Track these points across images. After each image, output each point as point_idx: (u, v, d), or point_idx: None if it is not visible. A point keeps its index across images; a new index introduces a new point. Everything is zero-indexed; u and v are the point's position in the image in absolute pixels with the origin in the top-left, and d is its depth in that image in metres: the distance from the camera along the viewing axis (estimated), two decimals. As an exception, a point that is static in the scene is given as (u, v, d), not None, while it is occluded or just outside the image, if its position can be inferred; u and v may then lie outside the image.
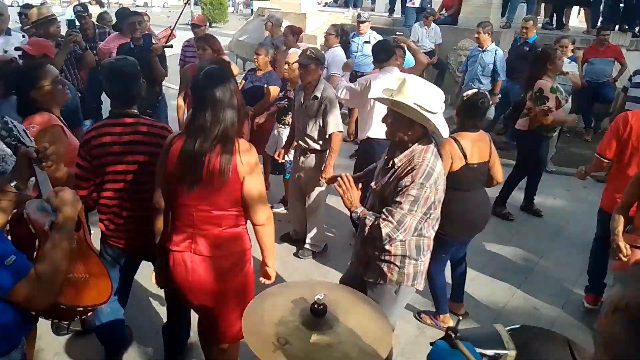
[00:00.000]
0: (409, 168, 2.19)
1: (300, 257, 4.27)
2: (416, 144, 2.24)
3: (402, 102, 2.13)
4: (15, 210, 1.77)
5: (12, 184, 1.86)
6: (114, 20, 6.72)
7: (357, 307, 1.52)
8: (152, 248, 2.40)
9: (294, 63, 4.29)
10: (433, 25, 8.55)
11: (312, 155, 4.05)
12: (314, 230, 4.27)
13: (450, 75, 8.73)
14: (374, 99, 2.40)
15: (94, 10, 14.63)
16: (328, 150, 3.95)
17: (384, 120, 2.33)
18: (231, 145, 2.09)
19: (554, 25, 9.41)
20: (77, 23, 6.45)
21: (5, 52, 4.40)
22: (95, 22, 6.90)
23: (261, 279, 2.43)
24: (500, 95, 6.97)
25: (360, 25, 7.13)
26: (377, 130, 3.93)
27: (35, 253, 1.66)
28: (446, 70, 8.89)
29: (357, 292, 1.63)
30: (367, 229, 2.24)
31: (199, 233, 2.19)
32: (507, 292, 3.91)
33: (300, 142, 4.11)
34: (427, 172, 2.15)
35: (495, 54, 6.65)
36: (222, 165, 2.06)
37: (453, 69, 8.66)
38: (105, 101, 6.63)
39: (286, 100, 4.64)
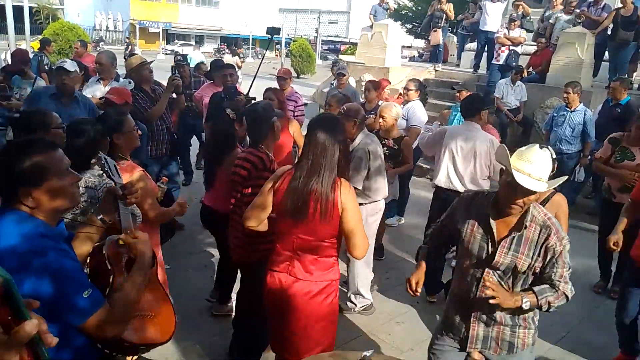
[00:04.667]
0: (545, 230, 2.16)
1: (344, 312, 4.04)
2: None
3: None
4: (96, 244, 1.90)
5: (99, 217, 2.04)
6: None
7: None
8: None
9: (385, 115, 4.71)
10: (519, 82, 8.38)
11: None
12: (353, 285, 4.10)
13: (537, 132, 8.43)
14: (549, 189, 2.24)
15: (227, 58, 16.79)
16: None
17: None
18: (333, 184, 2.36)
19: (653, 87, 8.88)
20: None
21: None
22: (192, 72, 7.49)
23: None
24: (590, 157, 6.60)
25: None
26: (444, 179, 4.20)
27: (108, 289, 1.74)
28: (532, 127, 8.61)
29: None
30: (554, 305, 2.19)
31: (296, 258, 2.46)
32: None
33: None
34: (557, 224, 2.18)
35: (585, 114, 6.37)
36: (324, 202, 2.33)
37: (539, 127, 8.37)
38: (194, 142, 7.17)
39: None
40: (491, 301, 2.11)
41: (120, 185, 2.03)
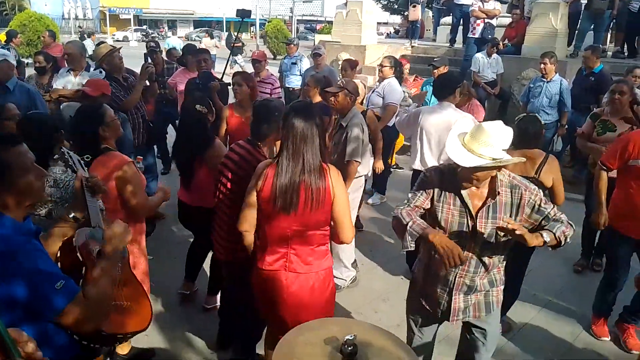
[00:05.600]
0: (516, 190, 2.23)
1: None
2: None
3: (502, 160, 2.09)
4: (65, 238, 1.86)
5: (71, 215, 1.99)
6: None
7: (391, 351, 1.47)
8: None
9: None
10: (495, 55, 8.39)
11: None
12: (338, 261, 4.12)
13: (514, 105, 8.49)
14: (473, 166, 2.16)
15: (205, 41, 16.67)
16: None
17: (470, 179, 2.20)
18: (321, 171, 2.32)
19: (626, 54, 8.96)
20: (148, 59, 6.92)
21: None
22: (164, 58, 7.33)
23: None
24: (566, 127, 6.68)
25: (288, 47, 8.09)
26: (420, 162, 4.12)
27: (82, 280, 1.73)
28: (509, 100, 8.66)
29: (393, 335, 1.59)
30: (568, 235, 2.19)
31: (292, 252, 2.39)
32: (569, 335, 3.68)
33: None
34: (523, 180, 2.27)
35: (561, 84, 6.43)
36: (316, 191, 2.29)
37: (517, 99, 8.43)
38: (170, 131, 7.07)
39: None
40: (517, 233, 2.06)
41: (86, 178, 2.00)
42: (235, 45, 16.23)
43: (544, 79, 6.47)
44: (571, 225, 2.23)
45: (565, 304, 4.09)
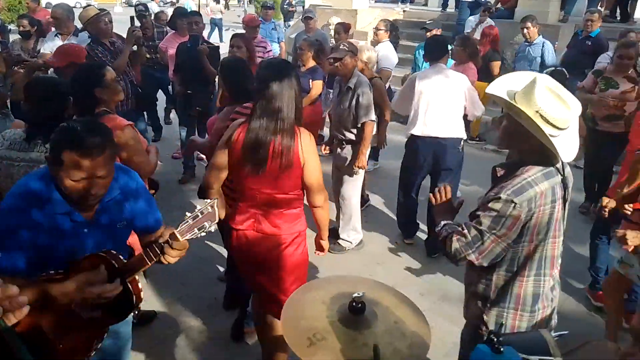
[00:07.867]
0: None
1: (332, 252, 4.04)
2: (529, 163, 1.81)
3: (519, 108, 1.71)
4: None
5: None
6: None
7: (397, 308, 1.50)
8: None
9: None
10: (488, 19, 8.28)
11: (348, 147, 4.08)
12: (347, 223, 4.24)
13: (506, 69, 8.45)
14: (489, 94, 1.88)
15: (212, 6, 16.14)
16: (361, 140, 3.99)
17: (496, 124, 2.09)
18: (292, 133, 2.24)
19: (618, 18, 8.90)
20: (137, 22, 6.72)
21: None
22: (153, 22, 7.13)
23: (316, 252, 2.65)
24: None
25: (267, 11, 8.08)
26: (421, 127, 4.04)
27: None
28: (502, 66, 8.60)
29: (399, 292, 1.62)
30: (441, 240, 1.92)
31: (261, 214, 2.37)
32: (561, 294, 3.73)
33: (336, 133, 4.16)
34: (520, 185, 1.74)
35: (543, 46, 6.47)
36: (285, 152, 2.21)
37: (509, 64, 8.38)
38: (160, 97, 6.94)
39: None
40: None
41: (172, 234, 1.73)
42: (290, 10, 15.83)
43: (527, 43, 6.56)
44: (464, 241, 1.84)
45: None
